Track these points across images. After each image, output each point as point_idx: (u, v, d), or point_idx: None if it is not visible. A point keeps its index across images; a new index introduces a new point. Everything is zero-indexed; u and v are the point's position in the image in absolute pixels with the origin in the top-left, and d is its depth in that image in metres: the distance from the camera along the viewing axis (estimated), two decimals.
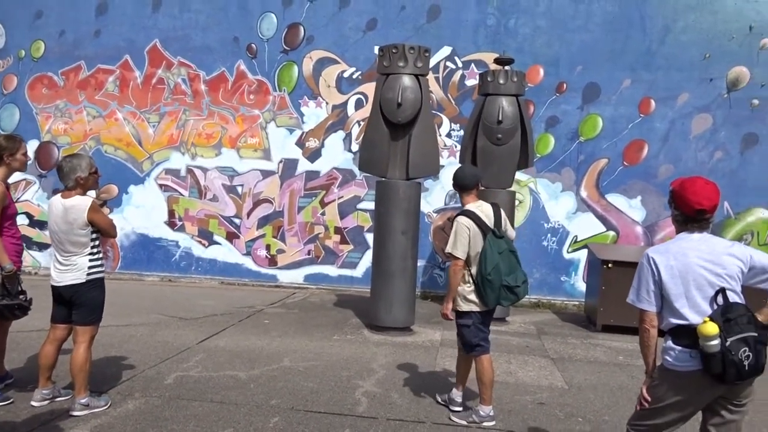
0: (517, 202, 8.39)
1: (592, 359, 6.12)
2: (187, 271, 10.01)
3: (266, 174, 9.83)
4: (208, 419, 4.05)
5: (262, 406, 4.34)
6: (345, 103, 9.68)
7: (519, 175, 8.54)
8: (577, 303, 8.98)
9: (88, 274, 4.00)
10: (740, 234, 8.95)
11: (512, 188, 7.73)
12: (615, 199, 9.18)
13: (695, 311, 2.59)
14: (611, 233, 9.21)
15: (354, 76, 9.65)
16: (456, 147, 9.26)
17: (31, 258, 10.12)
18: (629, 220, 9.18)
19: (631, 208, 9.17)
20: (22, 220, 9.43)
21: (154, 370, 5.03)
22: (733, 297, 2.58)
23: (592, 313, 7.72)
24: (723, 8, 8.93)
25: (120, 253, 10.13)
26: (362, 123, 9.40)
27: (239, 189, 9.91)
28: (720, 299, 2.57)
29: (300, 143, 9.78)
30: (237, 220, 9.92)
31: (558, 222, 9.28)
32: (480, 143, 7.49)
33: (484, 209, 4.17)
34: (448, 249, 4.10)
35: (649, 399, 2.73)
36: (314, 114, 9.76)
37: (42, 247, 10.24)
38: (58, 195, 4.06)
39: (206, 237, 9.98)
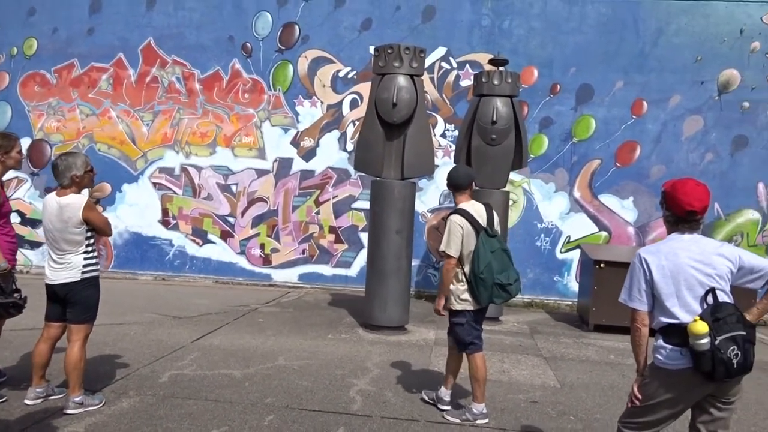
0: (511, 203, 8.45)
1: (584, 358, 6.18)
2: (181, 270, 9.99)
3: (261, 173, 9.84)
4: (203, 418, 4.06)
5: (256, 404, 4.36)
6: (340, 103, 9.70)
7: (513, 176, 8.59)
8: (569, 303, 9.05)
9: (83, 273, 4.00)
10: (730, 235, 9.04)
11: (506, 188, 7.79)
12: (607, 199, 9.26)
13: (686, 310, 2.63)
14: (604, 233, 9.28)
15: (349, 76, 9.67)
16: (451, 147, 9.30)
17: (23, 256, 10.07)
18: (621, 221, 9.26)
19: (624, 208, 9.24)
20: (13, 219, 9.38)
21: (148, 369, 5.03)
22: (722, 296, 2.62)
23: (584, 312, 7.78)
24: (714, 12, 9.02)
25: (113, 251, 10.10)
26: (357, 122, 9.42)
27: (234, 188, 9.90)
28: (710, 299, 2.62)
29: (295, 142, 9.78)
30: (231, 219, 9.92)
31: (551, 222, 9.34)
32: (474, 143, 7.53)
33: (476, 209, 4.21)
34: (442, 247, 4.14)
35: (640, 397, 2.78)
36: (309, 113, 9.77)
37: (34, 245, 10.20)
38: (53, 193, 4.06)
39: (200, 236, 9.97)
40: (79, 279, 3.98)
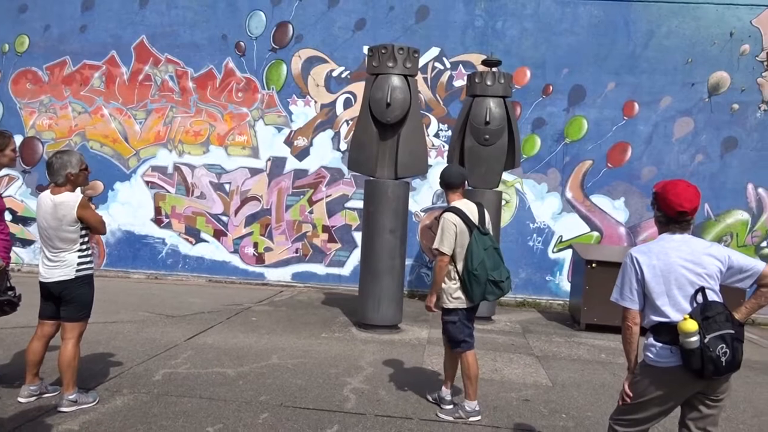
0: (503, 202, 8.50)
1: (575, 357, 6.23)
2: (174, 269, 9.97)
3: (254, 172, 9.83)
4: (198, 415, 4.07)
5: (251, 402, 4.37)
6: (333, 102, 9.72)
7: (506, 176, 8.65)
8: (561, 302, 9.12)
9: (77, 271, 4.00)
10: (720, 235, 9.15)
11: (499, 188, 7.84)
12: (599, 200, 9.34)
13: (676, 309, 2.68)
14: (595, 234, 9.36)
15: (343, 76, 9.68)
16: (444, 147, 9.34)
17: (14, 255, 10.00)
18: (613, 221, 9.34)
19: (615, 209, 9.33)
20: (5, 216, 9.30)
21: (142, 367, 5.03)
22: (711, 296, 2.67)
23: (576, 312, 7.85)
24: (705, 14, 9.12)
25: (105, 250, 10.06)
26: (351, 122, 9.44)
27: (227, 186, 9.90)
28: (699, 298, 2.66)
29: (288, 141, 9.79)
30: (224, 218, 9.91)
31: (543, 222, 9.41)
32: (468, 144, 7.57)
33: (469, 207, 4.25)
34: (435, 245, 4.17)
35: (631, 394, 2.82)
36: (303, 112, 9.78)
37: (25, 243, 10.14)
38: (47, 191, 4.05)
39: (193, 234, 9.96)
40: (73, 277, 3.98)
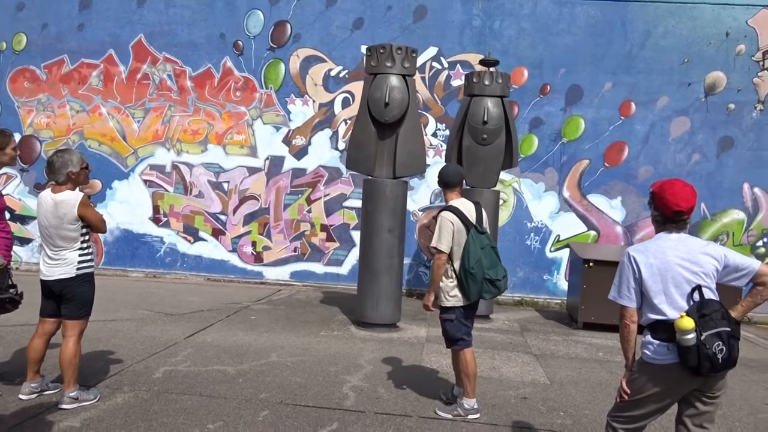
0: (501, 202, 8.54)
1: (573, 356, 6.28)
2: (173, 267, 9.98)
3: (252, 171, 9.85)
4: (198, 413, 4.10)
5: (251, 399, 4.40)
6: (332, 102, 9.73)
7: (503, 175, 8.69)
8: (559, 301, 9.16)
9: (78, 269, 4.02)
10: (716, 234, 9.21)
11: (496, 188, 7.88)
12: (596, 199, 9.38)
13: (673, 307, 2.71)
14: (592, 233, 9.41)
15: (341, 75, 9.70)
16: (442, 146, 9.38)
17: (13, 253, 9.99)
18: (610, 220, 9.39)
19: (612, 208, 9.38)
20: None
21: (142, 365, 5.05)
22: (708, 294, 2.71)
23: (573, 310, 7.89)
24: (701, 14, 9.17)
25: (104, 248, 10.06)
26: (349, 121, 9.47)
27: (225, 185, 9.91)
28: (696, 296, 2.70)
29: (286, 141, 9.81)
30: (223, 217, 9.92)
31: (541, 221, 9.45)
32: (465, 143, 7.60)
33: (467, 206, 4.28)
34: (433, 243, 4.20)
35: (628, 391, 2.85)
36: (301, 112, 9.79)
37: (24, 242, 10.13)
38: (48, 189, 4.07)
39: (192, 233, 9.97)
40: (74, 275, 4.00)
